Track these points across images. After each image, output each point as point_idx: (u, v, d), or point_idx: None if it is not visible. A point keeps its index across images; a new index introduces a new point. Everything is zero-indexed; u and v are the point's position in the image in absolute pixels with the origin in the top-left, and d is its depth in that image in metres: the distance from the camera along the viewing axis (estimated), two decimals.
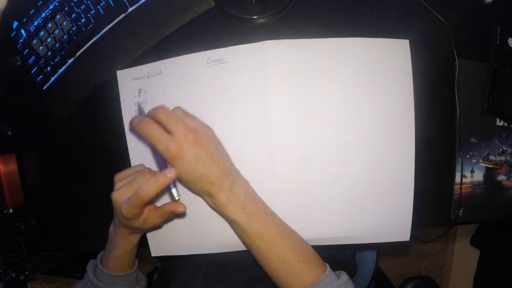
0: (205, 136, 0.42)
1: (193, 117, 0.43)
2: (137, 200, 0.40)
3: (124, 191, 0.43)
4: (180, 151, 0.39)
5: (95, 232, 0.57)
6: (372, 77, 0.48)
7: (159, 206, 0.45)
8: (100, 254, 0.52)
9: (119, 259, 0.49)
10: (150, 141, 0.40)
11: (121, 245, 0.48)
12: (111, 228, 0.49)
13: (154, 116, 0.41)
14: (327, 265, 0.44)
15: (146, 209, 0.44)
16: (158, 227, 0.48)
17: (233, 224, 0.44)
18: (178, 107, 0.43)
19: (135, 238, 0.49)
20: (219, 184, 0.42)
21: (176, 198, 0.42)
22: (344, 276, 0.44)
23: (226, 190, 0.42)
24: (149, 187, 0.40)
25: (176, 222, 0.50)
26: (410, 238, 0.49)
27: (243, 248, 0.49)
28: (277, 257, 0.43)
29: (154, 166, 0.50)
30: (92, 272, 0.51)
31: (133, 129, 0.44)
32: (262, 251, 0.43)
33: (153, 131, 0.40)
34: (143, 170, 0.46)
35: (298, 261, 0.42)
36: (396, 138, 0.48)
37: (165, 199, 0.48)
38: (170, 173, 0.40)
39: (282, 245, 0.43)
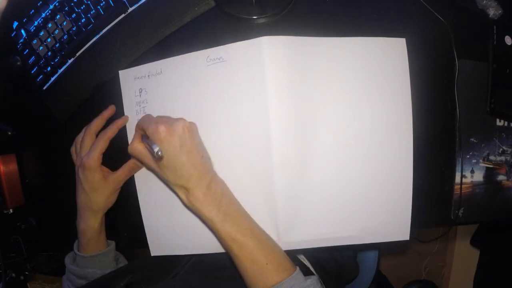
0: (192, 128, 0.43)
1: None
2: (101, 144, 0.48)
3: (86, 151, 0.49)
4: (168, 133, 0.41)
5: None
6: (369, 76, 0.48)
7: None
8: (75, 243, 0.53)
9: (90, 237, 0.50)
10: (143, 127, 0.43)
11: (87, 219, 0.50)
12: (78, 203, 0.50)
13: (141, 124, 0.44)
14: (297, 268, 0.44)
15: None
16: (120, 182, 0.51)
17: (207, 222, 0.43)
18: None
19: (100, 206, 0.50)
20: (198, 179, 0.42)
21: (159, 154, 0.40)
22: (310, 280, 0.43)
23: (203, 186, 0.42)
24: (109, 131, 0.49)
25: (175, 221, 0.50)
26: (410, 238, 0.49)
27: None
28: (246, 259, 0.43)
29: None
30: (71, 263, 0.53)
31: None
32: (234, 252, 0.43)
33: (145, 118, 0.44)
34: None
35: (267, 263, 0.43)
36: (394, 137, 0.48)
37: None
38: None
39: (253, 247, 0.43)
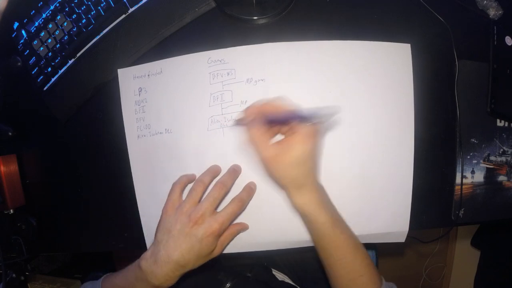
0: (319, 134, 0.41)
1: None
2: (235, 212, 0.44)
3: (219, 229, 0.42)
4: (314, 128, 0.38)
5: (95, 232, 0.57)
6: (373, 80, 0.48)
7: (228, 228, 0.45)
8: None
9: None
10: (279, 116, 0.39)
11: None
12: (147, 268, 0.42)
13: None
14: (383, 282, 0.45)
15: None
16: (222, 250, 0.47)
17: (317, 226, 0.42)
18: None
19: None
20: (314, 181, 0.41)
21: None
22: None
23: (319, 188, 0.42)
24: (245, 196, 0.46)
25: None
26: (410, 239, 0.49)
27: (238, 250, 0.49)
28: (344, 267, 0.43)
29: (154, 166, 0.50)
30: None
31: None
32: (333, 259, 0.43)
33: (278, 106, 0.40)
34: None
35: (361, 275, 0.43)
36: (395, 142, 0.48)
37: None
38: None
39: (353, 257, 0.43)
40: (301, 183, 0.41)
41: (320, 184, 0.43)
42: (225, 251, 0.49)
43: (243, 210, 0.46)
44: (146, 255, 0.43)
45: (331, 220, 0.41)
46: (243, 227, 0.48)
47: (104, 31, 0.52)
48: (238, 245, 0.49)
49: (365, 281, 0.43)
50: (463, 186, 0.52)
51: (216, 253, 0.44)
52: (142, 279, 0.43)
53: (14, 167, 0.58)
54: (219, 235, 0.43)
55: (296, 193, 0.41)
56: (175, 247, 0.41)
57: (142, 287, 0.44)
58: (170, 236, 0.42)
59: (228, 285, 0.55)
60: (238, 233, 0.48)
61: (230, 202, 0.45)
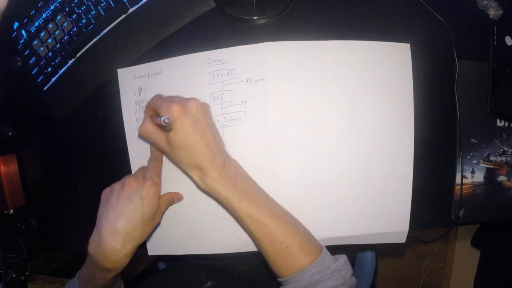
0: (205, 108, 0.42)
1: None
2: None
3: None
4: (181, 112, 0.39)
5: None
6: (373, 80, 0.48)
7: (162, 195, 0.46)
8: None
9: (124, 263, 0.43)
10: (155, 107, 0.41)
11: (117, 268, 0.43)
12: (94, 250, 0.41)
13: (152, 104, 0.43)
14: (323, 251, 0.42)
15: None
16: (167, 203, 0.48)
17: (224, 202, 0.42)
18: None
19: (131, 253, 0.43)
20: (212, 159, 0.41)
21: (166, 121, 0.37)
22: (335, 265, 0.41)
23: (218, 166, 0.41)
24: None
25: (173, 222, 0.50)
26: (410, 239, 0.49)
27: (238, 250, 0.49)
28: (266, 239, 0.41)
29: None
30: None
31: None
32: (252, 232, 0.42)
33: (156, 98, 0.42)
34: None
35: (287, 246, 0.40)
36: (395, 142, 0.48)
37: None
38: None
39: (272, 227, 0.41)
40: (196, 165, 0.41)
41: (224, 161, 0.42)
42: (213, 252, 0.49)
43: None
44: (92, 238, 0.42)
45: (236, 194, 0.41)
46: (178, 197, 0.49)
47: (104, 31, 0.52)
48: (224, 245, 0.49)
49: (294, 252, 0.40)
50: (463, 186, 0.52)
51: (157, 220, 0.45)
52: (94, 264, 0.42)
53: (14, 167, 0.58)
54: (157, 193, 0.43)
55: (195, 175, 0.42)
56: (117, 214, 0.41)
57: (99, 274, 0.43)
58: (110, 206, 0.42)
59: (208, 284, 0.54)
60: (173, 201, 0.48)
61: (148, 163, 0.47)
